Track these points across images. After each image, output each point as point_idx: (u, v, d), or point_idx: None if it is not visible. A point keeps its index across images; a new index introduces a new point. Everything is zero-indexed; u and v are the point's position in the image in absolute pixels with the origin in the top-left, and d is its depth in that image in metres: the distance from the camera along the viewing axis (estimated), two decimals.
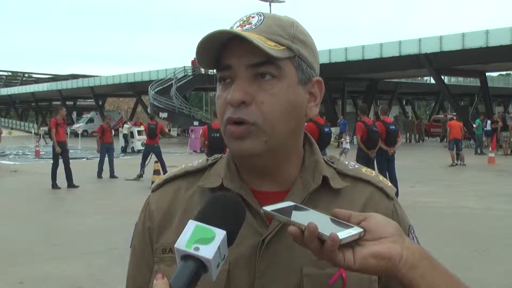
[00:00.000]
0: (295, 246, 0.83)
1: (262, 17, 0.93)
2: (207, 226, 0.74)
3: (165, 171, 12.42)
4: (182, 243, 0.72)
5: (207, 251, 0.71)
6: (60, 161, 12.42)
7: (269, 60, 0.89)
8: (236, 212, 0.80)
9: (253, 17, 0.94)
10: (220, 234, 0.73)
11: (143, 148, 25.62)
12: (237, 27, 0.93)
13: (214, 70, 0.96)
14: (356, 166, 1.04)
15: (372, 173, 1.03)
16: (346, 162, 1.04)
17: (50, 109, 70.51)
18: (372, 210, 0.96)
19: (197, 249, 0.71)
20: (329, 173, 0.99)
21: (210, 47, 0.91)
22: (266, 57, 0.88)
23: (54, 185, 12.50)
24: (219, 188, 0.97)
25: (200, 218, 0.76)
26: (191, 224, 0.75)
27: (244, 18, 0.95)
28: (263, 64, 0.90)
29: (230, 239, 0.76)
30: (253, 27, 0.91)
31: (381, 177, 1.03)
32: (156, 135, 14.09)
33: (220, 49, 0.92)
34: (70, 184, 12.55)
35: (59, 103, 60.34)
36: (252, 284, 0.91)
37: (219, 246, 0.72)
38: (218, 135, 9.08)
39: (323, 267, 0.89)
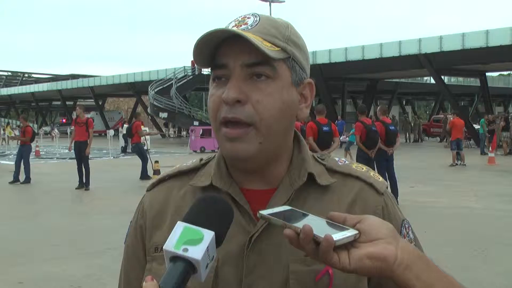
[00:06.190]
0: (282, 244, 0.82)
1: (258, 18, 0.94)
2: (195, 227, 0.74)
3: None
4: (171, 244, 0.73)
5: (196, 252, 0.72)
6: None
7: (265, 61, 0.90)
8: (224, 212, 0.80)
9: (248, 18, 0.94)
10: (208, 235, 0.74)
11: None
12: (233, 27, 0.93)
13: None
14: (346, 162, 1.03)
15: (362, 169, 1.02)
16: (337, 159, 1.04)
17: (50, 109, 70.60)
18: (361, 205, 0.96)
19: (186, 250, 0.72)
20: (318, 170, 0.99)
21: (207, 46, 0.91)
22: (262, 57, 0.89)
23: (80, 184, 12.29)
24: (209, 186, 0.98)
25: (188, 219, 0.76)
26: (180, 226, 0.75)
27: (240, 19, 0.95)
28: (259, 64, 0.90)
29: (219, 240, 0.76)
30: (249, 27, 0.92)
31: (371, 173, 1.02)
32: (133, 134, 13.96)
33: (215, 47, 0.92)
34: (86, 185, 12.38)
35: (59, 103, 60.46)
36: (240, 282, 0.91)
37: (207, 247, 0.73)
38: None
39: (309, 264, 0.89)
